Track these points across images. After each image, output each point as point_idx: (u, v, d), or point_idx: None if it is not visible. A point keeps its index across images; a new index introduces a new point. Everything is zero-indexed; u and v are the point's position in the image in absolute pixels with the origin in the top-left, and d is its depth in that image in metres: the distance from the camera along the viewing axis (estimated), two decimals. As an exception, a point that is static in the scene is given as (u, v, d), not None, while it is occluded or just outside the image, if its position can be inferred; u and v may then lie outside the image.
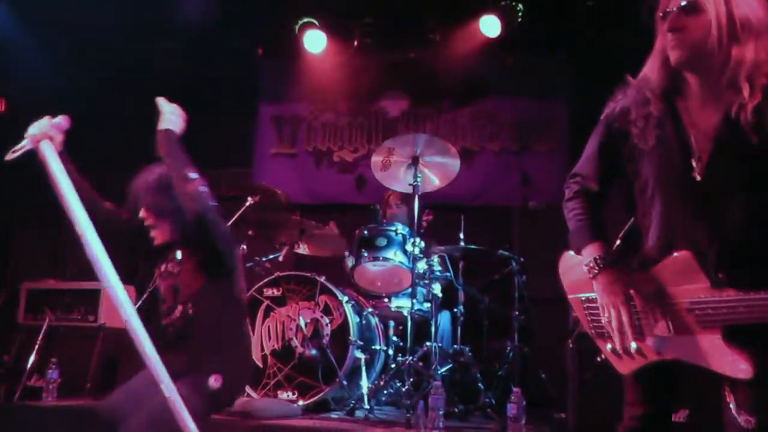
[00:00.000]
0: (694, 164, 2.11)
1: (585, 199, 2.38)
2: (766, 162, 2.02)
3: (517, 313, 5.62)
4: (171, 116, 3.01)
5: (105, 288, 2.11)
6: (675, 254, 2.10)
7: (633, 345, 2.16)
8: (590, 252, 2.26)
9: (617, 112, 2.30)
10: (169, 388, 2.08)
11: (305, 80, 7.61)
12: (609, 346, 2.26)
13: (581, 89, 7.00)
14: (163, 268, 3.19)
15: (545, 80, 7.37)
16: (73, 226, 2.14)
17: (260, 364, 4.99)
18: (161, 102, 3.02)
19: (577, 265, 2.36)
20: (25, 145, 2.47)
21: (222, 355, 3.00)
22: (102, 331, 5.76)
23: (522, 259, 5.79)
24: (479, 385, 5.28)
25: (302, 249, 5.75)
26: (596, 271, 2.23)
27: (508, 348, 5.60)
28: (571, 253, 2.42)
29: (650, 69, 2.24)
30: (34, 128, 2.55)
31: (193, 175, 2.91)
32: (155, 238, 3.18)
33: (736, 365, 1.99)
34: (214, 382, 2.89)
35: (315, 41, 7.14)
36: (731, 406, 2.09)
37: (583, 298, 2.37)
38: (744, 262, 2.04)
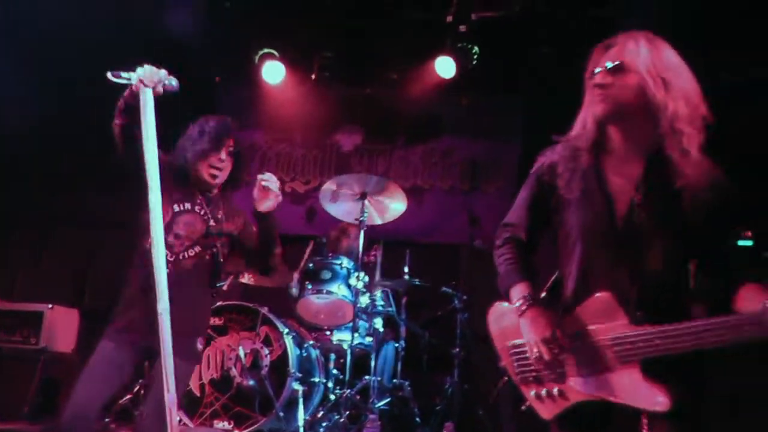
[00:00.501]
0: (616, 214, 2.30)
1: (514, 246, 2.54)
2: (680, 212, 2.24)
3: (458, 349, 5.71)
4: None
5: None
6: (596, 295, 2.28)
7: (556, 389, 2.32)
8: (519, 291, 2.43)
9: (546, 166, 2.50)
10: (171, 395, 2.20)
11: (262, 110, 7.65)
12: (533, 392, 2.41)
13: (533, 132, 7.16)
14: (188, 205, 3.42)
15: (498, 121, 7.51)
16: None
17: (197, 393, 5.01)
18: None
19: (505, 315, 2.52)
20: (131, 80, 2.70)
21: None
22: (43, 354, 5.72)
23: (465, 297, 5.89)
24: (417, 419, 5.36)
25: (247, 279, 5.78)
26: (525, 308, 2.39)
27: (447, 384, 5.68)
28: (502, 304, 2.56)
29: (579, 126, 2.43)
30: (147, 72, 2.75)
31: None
32: (217, 177, 3.48)
33: (653, 398, 2.14)
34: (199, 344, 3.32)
35: (274, 72, 7.16)
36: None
37: (510, 345, 2.50)
38: (661, 301, 2.23)
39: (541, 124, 7.28)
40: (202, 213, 3.43)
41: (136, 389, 5.15)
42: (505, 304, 2.54)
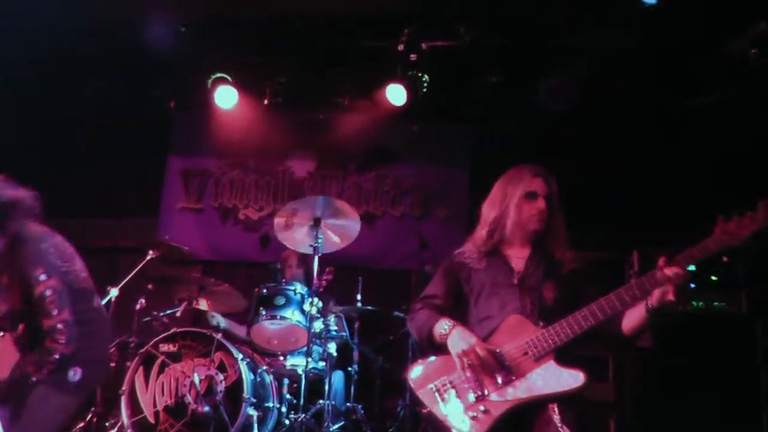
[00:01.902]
0: (514, 275, 3.03)
1: (431, 308, 3.13)
2: (558, 274, 3.00)
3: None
4: None
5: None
6: (508, 318, 2.87)
7: (481, 407, 2.69)
8: (442, 322, 2.97)
9: (455, 254, 3.20)
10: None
11: (215, 135, 7.67)
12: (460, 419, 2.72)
13: (482, 158, 7.36)
14: None
15: (448, 148, 7.67)
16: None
17: (152, 420, 5.00)
18: None
19: (423, 367, 2.98)
20: None
21: None
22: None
23: (416, 321, 5.99)
24: (370, 442, 5.44)
25: (202, 305, 5.79)
26: (450, 328, 2.90)
27: (400, 407, 5.77)
28: (416, 364, 3.03)
29: (480, 229, 3.17)
30: None
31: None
32: None
33: (571, 379, 2.66)
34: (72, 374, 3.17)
35: (226, 97, 7.14)
36: (556, 419, 2.64)
37: (433, 386, 2.86)
38: (555, 315, 2.82)
39: (488, 150, 7.58)
40: None
41: (88, 417, 5.15)
42: (420, 361, 3.02)
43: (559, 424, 2.61)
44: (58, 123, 7.28)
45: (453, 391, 2.80)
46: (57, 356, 3.09)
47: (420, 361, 3.04)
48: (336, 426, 5.45)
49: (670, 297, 2.63)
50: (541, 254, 3.06)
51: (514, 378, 2.72)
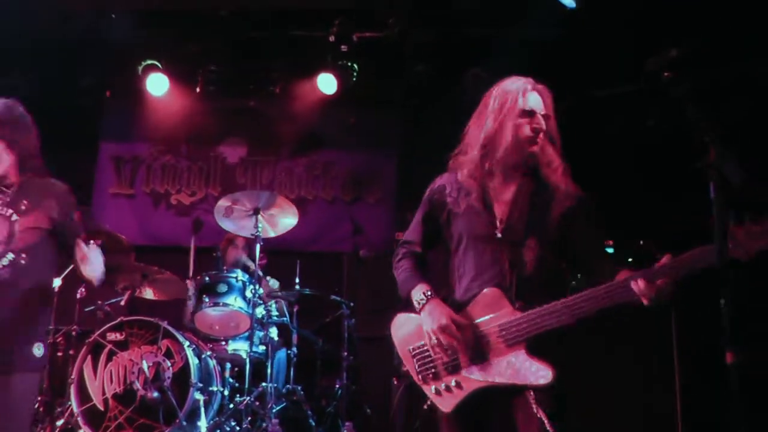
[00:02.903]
0: (497, 224, 2.75)
1: (412, 259, 2.96)
2: (548, 222, 2.72)
3: (346, 353, 6.08)
4: None
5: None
6: (485, 291, 2.69)
7: (453, 381, 2.67)
8: (419, 289, 2.80)
9: (436, 188, 2.95)
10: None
11: (147, 122, 7.72)
12: (433, 388, 2.73)
13: (410, 144, 7.65)
14: None
15: (377, 135, 7.93)
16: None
17: (101, 407, 5.11)
18: None
19: (405, 323, 2.88)
20: None
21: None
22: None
23: (351, 304, 6.27)
24: (310, 421, 5.69)
25: (147, 294, 5.87)
26: (425, 302, 2.75)
27: (337, 386, 6.05)
28: (402, 315, 2.91)
29: (470, 157, 2.84)
30: None
31: None
32: None
33: (538, 374, 2.53)
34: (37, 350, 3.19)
35: (158, 84, 7.23)
36: (531, 400, 2.54)
37: (411, 348, 2.83)
38: (536, 290, 2.64)
39: (417, 137, 7.85)
40: (4, 212, 3.21)
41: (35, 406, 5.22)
42: (405, 314, 2.89)
43: (534, 405, 2.52)
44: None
45: (429, 359, 2.74)
46: None
47: (404, 314, 2.91)
48: (278, 407, 5.69)
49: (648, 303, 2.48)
50: (529, 192, 2.77)
51: (487, 358, 2.63)
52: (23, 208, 3.22)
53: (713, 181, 2.11)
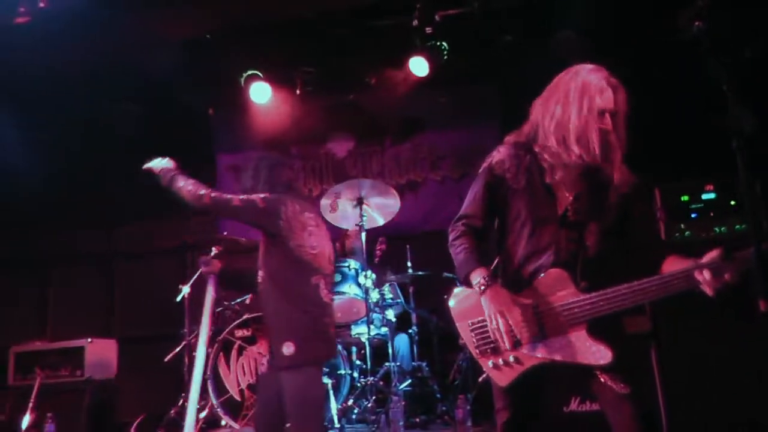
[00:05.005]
0: (559, 206, 2.79)
1: (469, 237, 2.92)
2: (608, 206, 2.77)
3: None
4: (159, 163, 3.97)
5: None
6: (550, 270, 2.73)
7: (511, 357, 2.73)
8: (478, 274, 2.78)
9: (495, 162, 2.94)
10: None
11: (255, 129, 8.01)
12: (491, 362, 2.79)
13: (510, 112, 7.64)
14: None
15: (475, 109, 7.98)
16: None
17: (238, 398, 5.54)
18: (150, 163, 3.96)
19: (463, 298, 2.91)
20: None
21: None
22: (89, 384, 6.26)
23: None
24: (437, 395, 5.88)
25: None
26: (485, 287, 2.74)
27: (461, 359, 6.18)
28: (459, 288, 2.96)
29: (543, 141, 2.84)
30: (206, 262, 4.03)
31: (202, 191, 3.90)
32: None
33: (598, 355, 2.60)
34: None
35: (260, 92, 7.52)
36: (603, 380, 2.63)
37: (471, 323, 2.86)
38: (599, 272, 2.70)
39: (516, 104, 7.76)
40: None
41: (180, 402, 5.70)
42: (463, 288, 2.91)
43: (610, 383, 2.62)
44: (110, 139, 7.86)
45: (488, 334, 2.75)
46: None
47: (461, 288, 2.93)
48: (404, 384, 5.92)
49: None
50: (589, 177, 2.79)
51: (548, 336, 2.68)
52: None
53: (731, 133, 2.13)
